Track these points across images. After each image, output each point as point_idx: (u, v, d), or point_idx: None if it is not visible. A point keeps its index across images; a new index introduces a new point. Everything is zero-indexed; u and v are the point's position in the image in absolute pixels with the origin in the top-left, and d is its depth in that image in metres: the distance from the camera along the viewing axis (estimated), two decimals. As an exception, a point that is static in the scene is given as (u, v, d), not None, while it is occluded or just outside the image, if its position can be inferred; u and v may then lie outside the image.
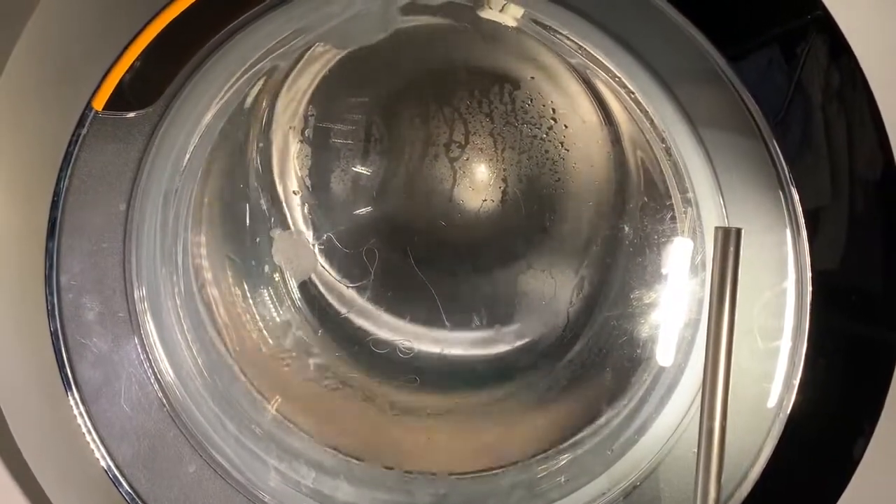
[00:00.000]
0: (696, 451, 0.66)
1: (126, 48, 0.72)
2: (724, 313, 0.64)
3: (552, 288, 1.05)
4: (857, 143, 0.67)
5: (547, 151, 1.01)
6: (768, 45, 0.68)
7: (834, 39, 0.63)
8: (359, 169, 1.05)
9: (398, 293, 1.06)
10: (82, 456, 0.79)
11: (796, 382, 0.69)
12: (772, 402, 0.70)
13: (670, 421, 0.80)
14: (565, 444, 0.92)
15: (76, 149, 0.74)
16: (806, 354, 0.68)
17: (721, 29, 0.67)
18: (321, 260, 1.07)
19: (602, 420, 0.91)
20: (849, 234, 0.68)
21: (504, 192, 1.03)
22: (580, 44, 0.84)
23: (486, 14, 0.90)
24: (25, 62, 0.70)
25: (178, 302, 0.89)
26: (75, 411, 0.78)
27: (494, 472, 0.94)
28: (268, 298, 1.06)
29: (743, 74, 0.67)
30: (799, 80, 0.67)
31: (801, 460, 0.71)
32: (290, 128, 1.03)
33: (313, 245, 1.07)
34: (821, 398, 0.69)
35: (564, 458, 0.92)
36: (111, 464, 0.79)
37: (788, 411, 0.69)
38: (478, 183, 1.03)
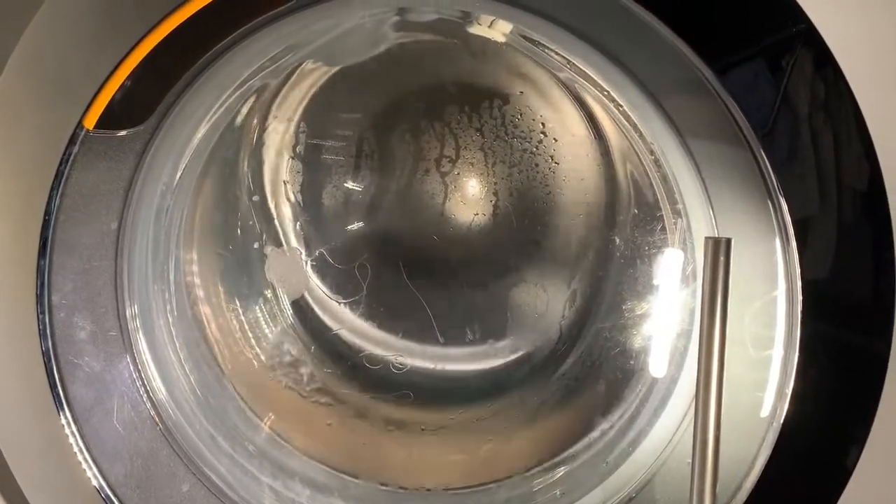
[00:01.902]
0: (690, 461, 0.65)
1: (117, 67, 0.72)
2: (715, 323, 0.64)
3: (544, 301, 1.05)
4: (843, 154, 0.67)
5: (537, 165, 1.01)
6: (754, 58, 0.69)
7: (819, 51, 0.64)
8: (350, 185, 1.05)
9: (391, 308, 1.06)
10: (74, 476, 0.78)
11: (789, 392, 0.69)
12: (765, 411, 0.70)
13: (664, 432, 0.80)
14: (560, 458, 0.92)
15: (67, 167, 0.74)
16: (798, 363, 0.68)
17: (708, 42, 0.68)
18: (313, 276, 1.07)
19: (596, 432, 0.91)
20: (837, 244, 0.69)
21: (495, 206, 1.03)
22: (568, 58, 0.84)
23: (475, 30, 0.90)
24: (16, 82, 0.71)
25: (170, 319, 0.89)
26: (67, 431, 0.77)
27: (489, 486, 0.94)
28: (260, 315, 1.05)
29: (730, 86, 0.68)
30: (785, 91, 0.68)
31: (796, 470, 0.71)
32: (282, 144, 1.04)
33: (305, 261, 1.06)
34: (813, 407, 0.69)
35: (559, 472, 0.92)
36: (103, 483, 0.78)
37: (782, 421, 0.69)
38: (469, 197, 1.03)
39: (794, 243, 0.67)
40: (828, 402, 0.69)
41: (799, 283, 0.67)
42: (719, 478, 0.65)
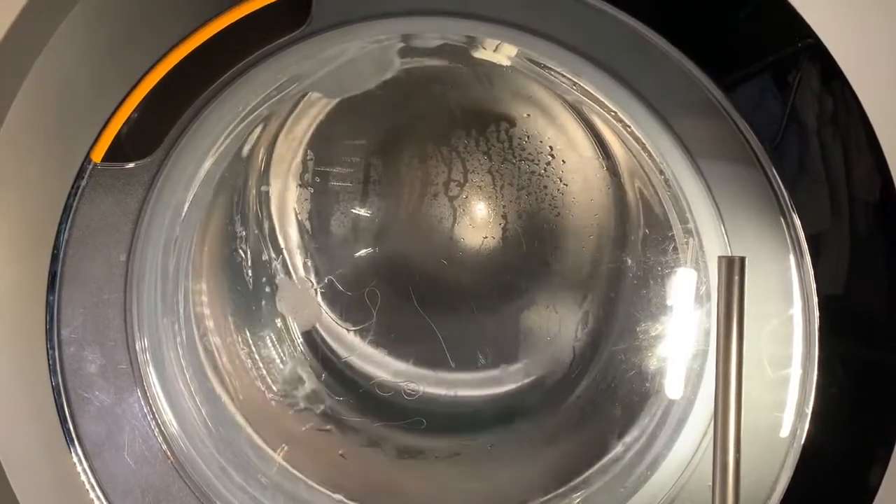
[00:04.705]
0: (710, 485, 0.64)
1: (123, 100, 0.73)
2: (732, 343, 0.63)
3: (557, 324, 1.04)
4: (854, 167, 0.67)
5: (546, 187, 1.01)
6: (761, 74, 0.69)
7: (825, 65, 0.64)
8: (358, 211, 1.05)
9: (401, 335, 1.06)
10: (86, 512, 0.77)
11: (809, 411, 0.68)
12: (785, 431, 0.69)
13: (682, 455, 0.79)
14: (576, 483, 0.91)
15: (76, 201, 0.74)
16: (817, 382, 0.67)
17: (714, 59, 0.68)
18: (323, 304, 1.07)
19: (613, 457, 0.90)
20: (851, 259, 0.68)
21: (504, 229, 1.03)
22: (574, 80, 0.84)
23: (481, 54, 0.91)
24: (24, 116, 0.71)
25: (180, 352, 0.88)
26: (78, 468, 0.77)
27: (506, 513, 0.93)
28: (270, 345, 1.05)
29: (738, 103, 0.68)
30: (793, 106, 0.68)
31: (818, 491, 0.70)
32: (289, 173, 1.04)
33: (315, 289, 1.06)
34: (834, 427, 0.68)
35: (576, 498, 0.90)
36: (115, 519, 0.78)
37: (803, 441, 0.68)
38: (478, 220, 1.03)
39: (808, 259, 0.67)
40: (849, 421, 0.68)
41: (815, 300, 0.67)
42: (741, 501, 0.64)
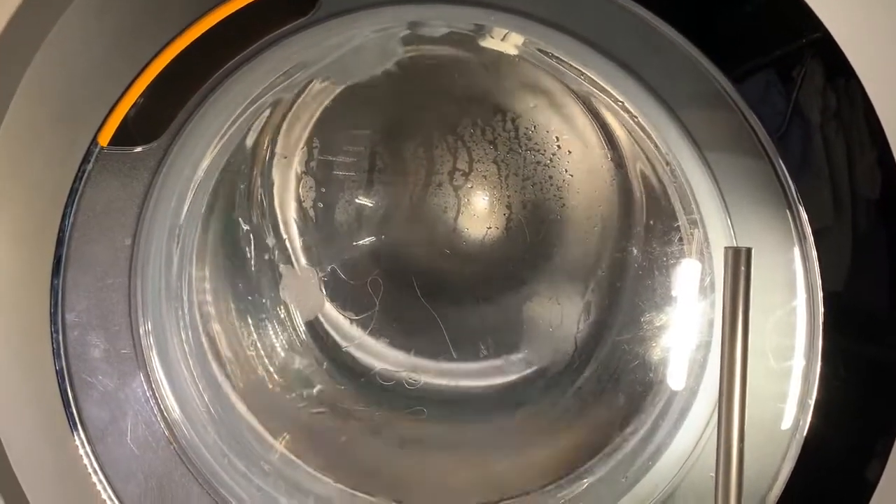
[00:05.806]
0: (712, 475, 0.64)
1: (131, 84, 0.72)
2: (737, 334, 0.63)
3: (559, 314, 1.04)
4: (857, 163, 0.67)
5: (551, 177, 1.01)
6: (768, 67, 0.69)
7: (831, 60, 0.64)
8: (362, 200, 1.05)
9: (403, 324, 1.06)
10: (88, 497, 0.77)
11: (811, 403, 0.68)
12: (787, 423, 0.70)
13: (684, 446, 0.79)
14: (578, 473, 0.91)
15: (82, 185, 0.74)
16: (820, 374, 0.67)
17: (723, 51, 0.68)
18: (326, 293, 1.07)
19: (614, 447, 0.90)
20: (853, 255, 0.68)
21: (508, 219, 1.03)
22: (582, 70, 0.84)
23: (488, 43, 0.90)
24: (30, 100, 0.71)
25: (183, 337, 0.88)
26: (81, 451, 0.76)
27: (508, 503, 0.93)
28: (272, 333, 1.05)
29: (746, 95, 0.68)
30: (797, 101, 0.68)
31: (820, 482, 0.70)
32: (294, 160, 1.04)
33: (320, 280, 1.06)
34: (837, 419, 0.68)
35: (577, 488, 0.90)
36: (118, 504, 0.78)
37: (805, 432, 0.68)
38: (482, 210, 1.03)
39: (814, 252, 0.67)
40: (851, 414, 0.68)
41: (820, 293, 0.67)
42: (743, 491, 0.64)
